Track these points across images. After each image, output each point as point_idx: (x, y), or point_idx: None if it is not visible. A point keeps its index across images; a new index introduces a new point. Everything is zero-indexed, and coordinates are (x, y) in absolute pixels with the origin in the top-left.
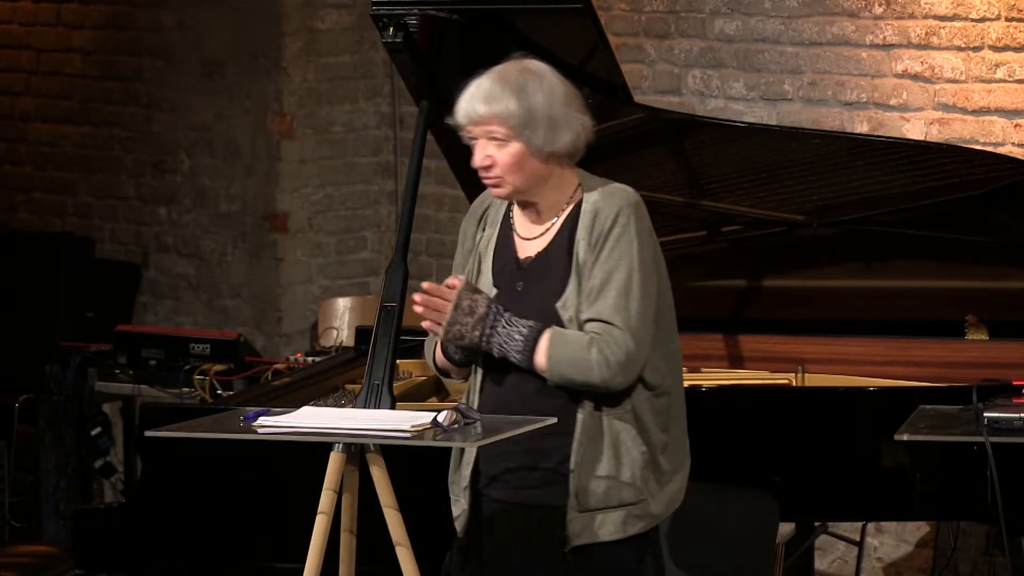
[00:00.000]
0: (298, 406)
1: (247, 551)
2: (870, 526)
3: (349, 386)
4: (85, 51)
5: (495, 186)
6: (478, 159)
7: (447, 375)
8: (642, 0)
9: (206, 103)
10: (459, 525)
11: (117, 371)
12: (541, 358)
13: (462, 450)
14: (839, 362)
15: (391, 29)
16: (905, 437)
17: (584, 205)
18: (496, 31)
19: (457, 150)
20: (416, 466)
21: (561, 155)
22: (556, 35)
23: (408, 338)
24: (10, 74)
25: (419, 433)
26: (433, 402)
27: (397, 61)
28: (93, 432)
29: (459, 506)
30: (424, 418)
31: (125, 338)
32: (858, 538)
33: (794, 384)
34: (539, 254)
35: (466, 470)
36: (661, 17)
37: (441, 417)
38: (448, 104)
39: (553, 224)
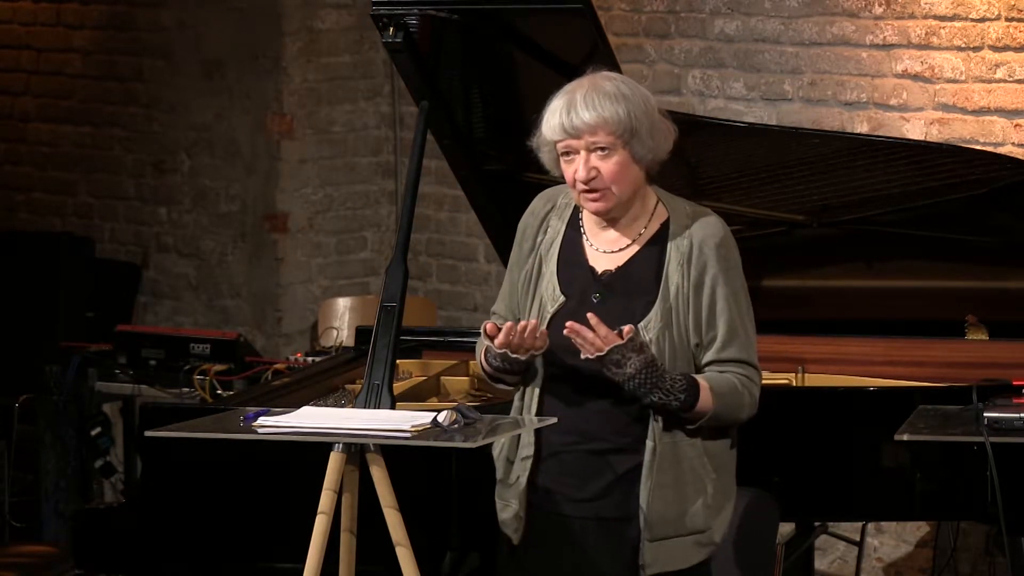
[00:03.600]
0: (298, 406)
1: (247, 551)
2: (870, 526)
3: (349, 386)
4: (85, 51)
5: (597, 200)
6: (582, 172)
7: (497, 381)
8: (642, 0)
9: (206, 103)
10: (513, 532)
11: (117, 371)
12: (707, 406)
13: (511, 460)
14: (839, 362)
15: (391, 29)
16: (905, 437)
17: (673, 227)
18: (496, 31)
19: (457, 150)
20: (416, 466)
21: (657, 163)
22: (556, 35)
23: (408, 338)
24: (10, 74)
25: (419, 433)
26: (433, 402)
27: (397, 61)
28: (93, 432)
29: (509, 511)
30: (424, 418)
31: (125, 338)
32: (858, 538)
33: (794, 384)
34: (620, 268)
35: (522, 478)
36: (661, 17)
37: (441, 417)
38: (447, 104)
39: (636, 240)
